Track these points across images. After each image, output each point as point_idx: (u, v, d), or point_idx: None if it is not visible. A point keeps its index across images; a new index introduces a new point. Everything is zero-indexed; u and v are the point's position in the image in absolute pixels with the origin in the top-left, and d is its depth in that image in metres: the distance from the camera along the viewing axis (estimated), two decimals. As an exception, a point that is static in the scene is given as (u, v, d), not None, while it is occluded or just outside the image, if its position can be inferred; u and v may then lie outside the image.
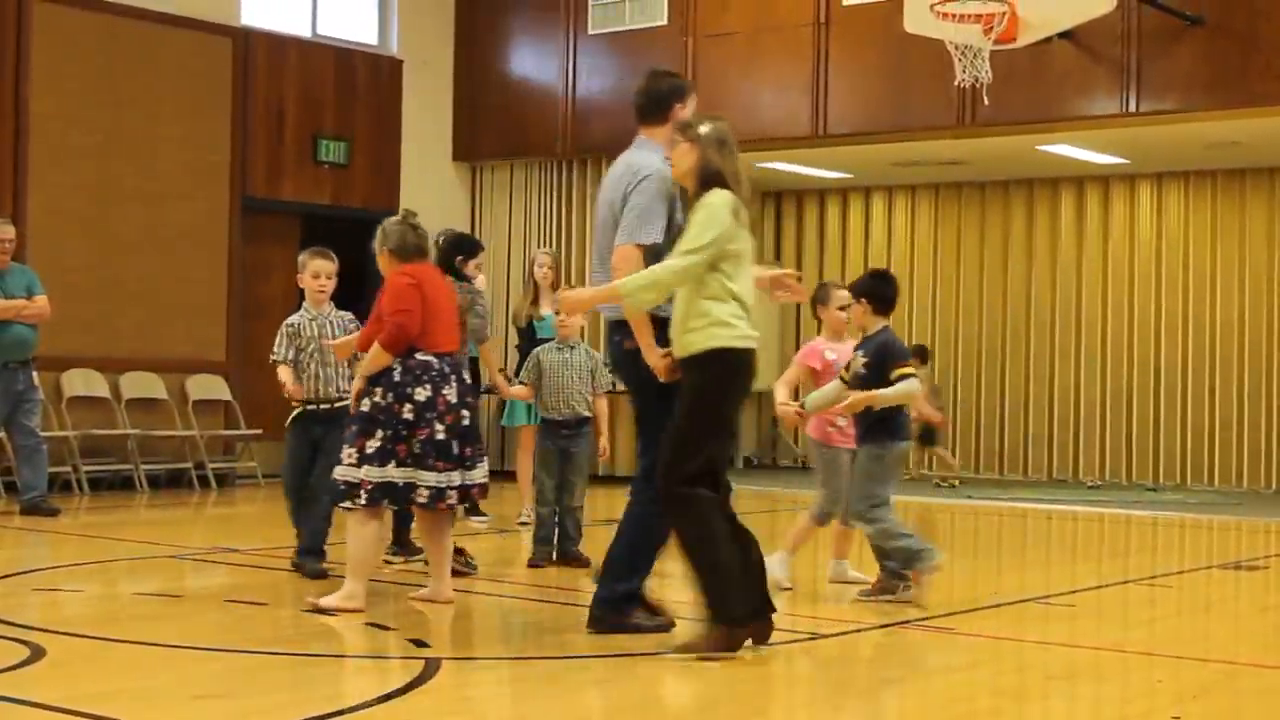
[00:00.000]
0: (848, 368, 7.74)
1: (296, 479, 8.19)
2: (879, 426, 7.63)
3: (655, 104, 6.76)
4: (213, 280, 14.37)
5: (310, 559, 8.08)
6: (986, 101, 12.53)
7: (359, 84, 15.63)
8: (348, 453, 6.94)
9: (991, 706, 5.61)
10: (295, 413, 8.14)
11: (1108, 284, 16.42)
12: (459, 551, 8.65)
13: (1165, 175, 16.13)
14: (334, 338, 7.90)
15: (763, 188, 17.63)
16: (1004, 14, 11.84)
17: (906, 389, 7.57)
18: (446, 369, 7.05)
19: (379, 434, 6.89)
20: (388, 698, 5.34)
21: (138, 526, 11.54)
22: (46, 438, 11.81)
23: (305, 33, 15.38)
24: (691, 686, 5.82)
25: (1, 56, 13.13)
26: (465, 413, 7.04)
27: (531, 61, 16.10)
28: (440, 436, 6.93)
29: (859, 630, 7.01)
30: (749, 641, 6.20)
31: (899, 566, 7.61)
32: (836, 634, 6.87)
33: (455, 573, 8.46)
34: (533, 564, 8.85)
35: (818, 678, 6.22)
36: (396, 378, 6.95)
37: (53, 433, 12.62)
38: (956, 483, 15.73)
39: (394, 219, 7.29)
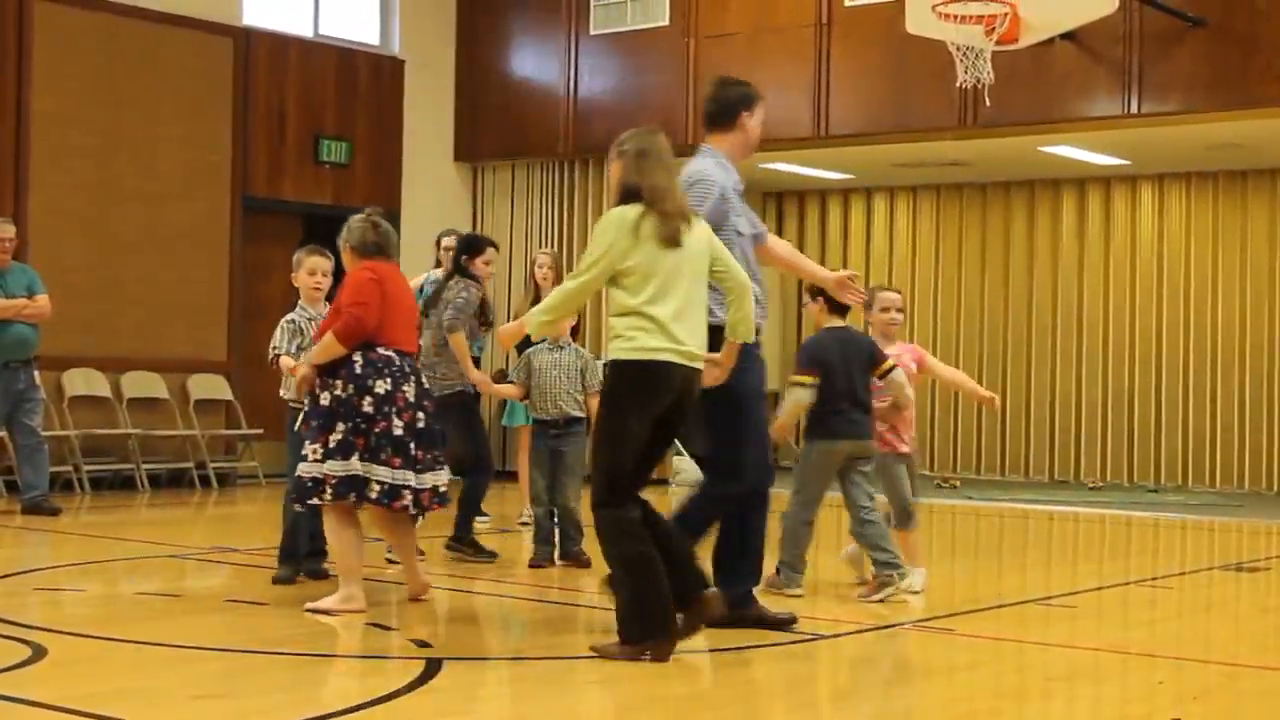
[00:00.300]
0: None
1: None
2: (808, 427, 7.77)
3: (723, 111, 6.87)
4: (213, 280, 14.37)
5: (312, 560, 8.06)
6: (988, 102, 12.52)
7: (360, 84, 15.62)
8: (311, 449, 6.89)
9: (992, 707, 5.61)
10: (302, 412, 8.11)
11: (1109, 285, 16.41)
12: (470, 544, 8.75)
13: (1166, 176, 16.12)
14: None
15: (763, 188, 17.63)
16: (1005, 15, 11.82)
17: (791, 401, 7.71)
18: (407, 368, 7.04)
19: (339, 427, 6.85)
20: (388, 698, 5.33)
21: (139, 526, 11.54)
22: (48, 437, 11.81)
23: (307, 33, 15.38)
24: (692, 687, 5.82)
25: (2, 56, 13.13)
26: (421, 414, 7.01)
27: (533, 62, 16.09)
28: (397, 432, 6.90)
29: (859, 630, 7.01)
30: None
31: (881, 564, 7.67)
32: (836, 634, 6.86)
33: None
34: (534, 564, 8.85)
35: (818, 678, 6.22)
36: (358, 370, 6.91)
37: (54, 432, 12.63)
38: (957, 483, 15.73)
39: (358, 216, 7.31)
